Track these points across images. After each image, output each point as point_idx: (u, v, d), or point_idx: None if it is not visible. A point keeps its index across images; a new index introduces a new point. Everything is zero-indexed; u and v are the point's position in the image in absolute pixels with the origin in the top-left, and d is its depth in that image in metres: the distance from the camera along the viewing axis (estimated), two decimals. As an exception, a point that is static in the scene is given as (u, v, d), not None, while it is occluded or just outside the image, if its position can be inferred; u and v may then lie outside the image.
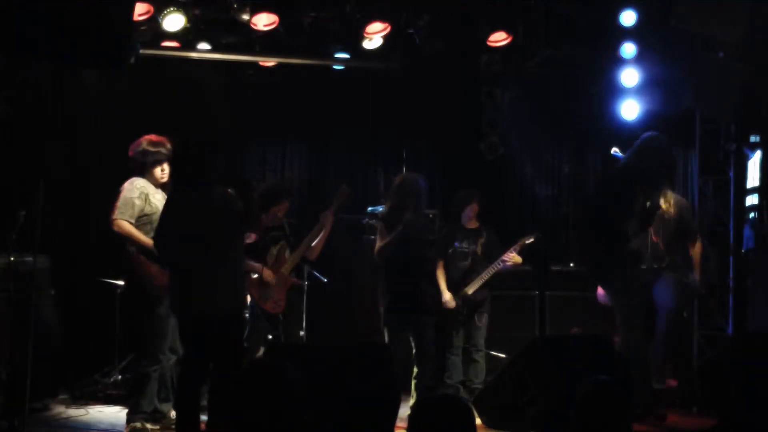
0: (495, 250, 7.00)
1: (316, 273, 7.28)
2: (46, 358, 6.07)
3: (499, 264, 6.89)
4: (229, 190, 4.82)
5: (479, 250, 7.01)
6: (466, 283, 6.92)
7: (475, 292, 6.91)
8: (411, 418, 2.90)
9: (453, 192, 7.34)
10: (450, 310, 6.83)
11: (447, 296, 6.83)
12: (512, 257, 6.88)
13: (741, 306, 6.92)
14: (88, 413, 6.20)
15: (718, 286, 7.15)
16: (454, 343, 6.92)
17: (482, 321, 6.94)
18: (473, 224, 7.10)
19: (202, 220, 4.68)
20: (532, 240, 6.98)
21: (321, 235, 6.53)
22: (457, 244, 7.02)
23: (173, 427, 5.59)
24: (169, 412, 5.71)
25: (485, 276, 6.90)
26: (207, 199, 4.73)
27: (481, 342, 6.95)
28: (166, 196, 5.47)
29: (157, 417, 5.64)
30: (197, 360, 4.77)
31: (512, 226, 8.88)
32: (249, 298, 6.66)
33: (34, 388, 5.39)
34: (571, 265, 7.79)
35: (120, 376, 6.74)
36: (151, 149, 5.59)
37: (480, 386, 6.76)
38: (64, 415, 6.15)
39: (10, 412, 5.39)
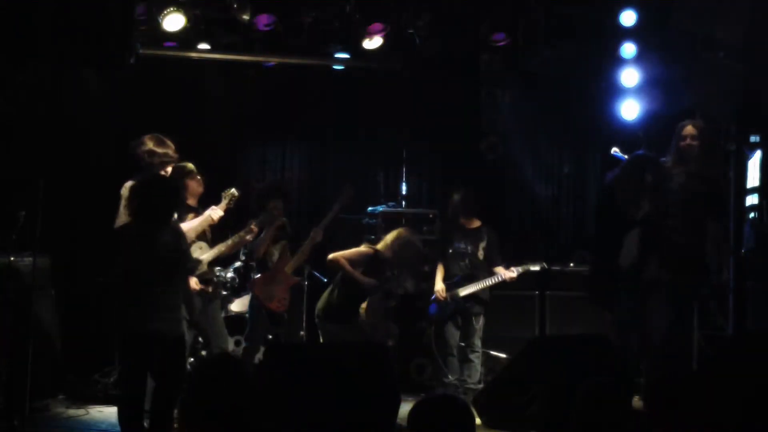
0: (495, 254, 6.98)
1: (316, 273, 7.29)
2: (46, 358, 6.06)
3: (496, 278, 6.87)
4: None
5: (480, 253, 6.97)
6: (461, 284, 6.90)
7: (466, 296, 6.88)
8: (411, 417, 2.89)
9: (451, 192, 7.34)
10: (439, 304, 6.87)
11: (439, 286, 6.85)
12: (510, 277, 6.86)
13: (741, 306, 6.91)
14: (88, 413, 6.20)
15: (718, 287, 7.14)
16: (450, 342, 6.92)
17: (479, 323, 6.91)
18: (474, 224, 7.07)
19: (157, 257, 4.72)
20: (537, 269, 6.96)
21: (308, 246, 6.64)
22: (456, 244, 6.99)
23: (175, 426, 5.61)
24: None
25: (479, 285, 6.85)
26: (161, 238, 4.77)
27: (477, 342, 6.90)
28: None
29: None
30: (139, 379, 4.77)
31: (512, 226, 8.90)
32: (251, 298, 6.70)
33: (34, 388, 5.38)
34: (571, 265, 7.79)
35: (120, 376, 6.74)
36: (159, 150, 5.54)
37: (473, 386, 6.75)
38: (64, 415, 6.14)
39: (10, 412, 5.39)
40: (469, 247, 6.96)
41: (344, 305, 6.40)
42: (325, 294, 6.48)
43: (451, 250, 6.97)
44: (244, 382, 2.73)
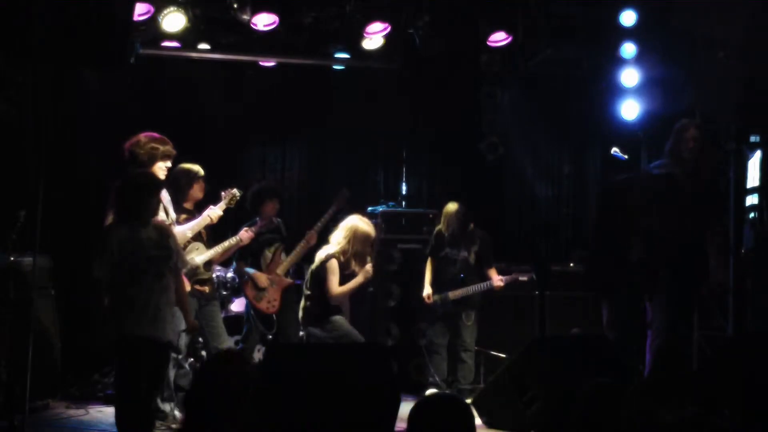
0: (488, 256, 7.04)
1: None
2: (45, 357, 6.06)
3: (486, 285, 6.94)
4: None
5: (472, 257, 7.00)
6: (452, 288, 6.94)
7: (456, 300, 6.92)
8: (411, 417, 2.90)
9: (451, 192, 7.34)
10: (424, 306, 6.90)
11: (426, 291, 6.93)
12: (498, 286, 6.93)
13: (741, 306, 6.91)
14: (88, 413, 6.21)
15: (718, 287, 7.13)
16: (435, 341, 6.92)
17: (470, 319, 6.93)
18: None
19: (143, 255, 4.71)
20: (525, 279, 7.05)
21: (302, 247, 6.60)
22: (448, 249, 7.00)
23: (174, 426, 5.61)
24: (171, 411, 5.72)
25: (470, 291, 6.94)
26: (143, 235, 4.76)
27: (470, 341, 6.93)
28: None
29: (159, 416, 5.64)
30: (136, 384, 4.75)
31: (512, 226, 8.90)
32: (245, 300, 6.70)
33: (34, 388, 5.38)
34: (571, 265, 7.79)
35: (120, 376, 6.73)
36: (160, 147, 5.54)
37: (468, 387, 6.75)
38: (64, 415, 6.15)
39: (10, 412, 5.39)
40: (461, 253, 6.98)
41: (318, 308, 6.36)
42: (302, 303, 6.45)
43: (442, 255, 6.98)
44: (247, 378, 2.75)
